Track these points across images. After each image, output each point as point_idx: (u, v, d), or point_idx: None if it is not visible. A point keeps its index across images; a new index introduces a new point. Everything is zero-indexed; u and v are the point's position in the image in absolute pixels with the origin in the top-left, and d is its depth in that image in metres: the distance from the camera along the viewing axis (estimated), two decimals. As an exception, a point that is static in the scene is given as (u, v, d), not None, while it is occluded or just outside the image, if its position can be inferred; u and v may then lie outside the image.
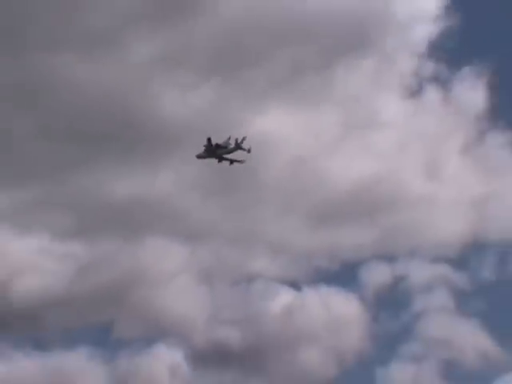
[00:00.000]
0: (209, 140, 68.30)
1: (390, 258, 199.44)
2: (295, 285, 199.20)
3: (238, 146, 70.87)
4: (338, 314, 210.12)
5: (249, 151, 71.86)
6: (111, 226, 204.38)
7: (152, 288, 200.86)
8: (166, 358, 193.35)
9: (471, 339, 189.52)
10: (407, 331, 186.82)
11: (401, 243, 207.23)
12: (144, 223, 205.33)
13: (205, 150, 70.48)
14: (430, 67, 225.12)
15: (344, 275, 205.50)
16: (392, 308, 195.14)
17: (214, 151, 71.45)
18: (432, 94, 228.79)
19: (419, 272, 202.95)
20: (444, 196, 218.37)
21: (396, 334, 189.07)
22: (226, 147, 71.56)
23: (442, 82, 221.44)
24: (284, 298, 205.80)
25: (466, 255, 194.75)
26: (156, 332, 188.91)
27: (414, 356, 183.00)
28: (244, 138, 71.69)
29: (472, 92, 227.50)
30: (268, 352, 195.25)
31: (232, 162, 72.14)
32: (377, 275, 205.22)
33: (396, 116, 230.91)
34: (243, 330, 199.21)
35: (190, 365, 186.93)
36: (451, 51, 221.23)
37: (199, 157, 73.10)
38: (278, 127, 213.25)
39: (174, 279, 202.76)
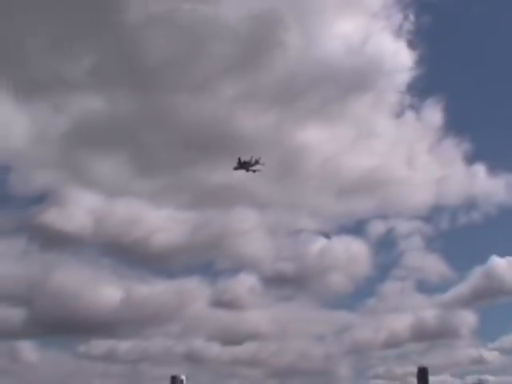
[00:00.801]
0: (239, 159, 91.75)
1: (384, 217, 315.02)
2: (326, 235, 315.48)
3: (257, 162, 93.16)
4: (352, 253, 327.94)
5: (263, 164, 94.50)
6: (211, 201, 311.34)
7: (237, 238, 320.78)
8: (247, 281, 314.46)
9: (434, 266, 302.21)
10: (395, 262, 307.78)
11: (391, 207, 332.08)
12: (231, 199, 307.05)
13: (238, 164, 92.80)
14: (407, 99, 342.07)
15: (357, 228, 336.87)
16: (386, 248, 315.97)
17: (243, 165, 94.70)
18: (409, 115, 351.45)
19: (402, 225, 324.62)
20: (417, 178, 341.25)
21: (388, 264, 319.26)
22: (249, 162, 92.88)
23: (415, 108, 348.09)
24: (319, 243, 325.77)
25: (431, 214, 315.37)
26: (240, 265, 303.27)
27: (399, 277, 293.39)
28: (260, 158, 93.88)
29: (433, 114, 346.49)
30: (310, 277, 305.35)
31: (254, 171, 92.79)
32: (377, 228, 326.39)
33: (387, 129, 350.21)
34: (294, 263, 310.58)
35: (262, 285, 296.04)
36: (420, 88, 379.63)
37: (235, 168, 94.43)
38: (313, 137, 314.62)
39: (250, 233, 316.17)
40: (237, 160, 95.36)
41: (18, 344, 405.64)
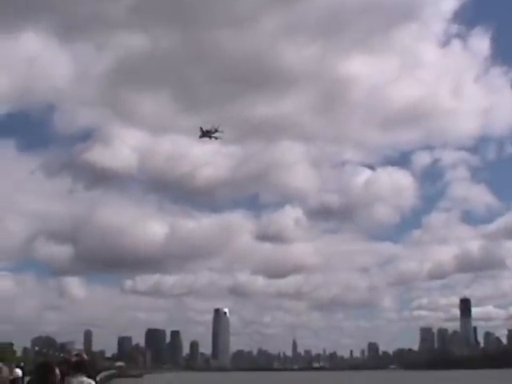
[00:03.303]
0: (201, 128, 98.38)
1: (430, 147, 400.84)
2: (371, 167, 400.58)
3: (216, 130, 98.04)
4: (397, 184, 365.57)
5: (222, 132, 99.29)
6: (256, 135, 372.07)
7: (282, 171, 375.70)
8: (292, 214, 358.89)
9: (480, 196, 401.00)
10: (441, 193, 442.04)
11: (437, 138, 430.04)
12: (275, 132, 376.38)
13: (201, 133, 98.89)
14: (454, 28, 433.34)
15: (402, 159, 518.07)
16: (432, 178, 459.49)
17: (206, 134, 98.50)
18: (455, 44, 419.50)
19: (448, 156, 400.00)
20: (464, 107, 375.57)
21: (434, 195, 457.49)
22: (210, 131, 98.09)
23: (462, 37, 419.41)
24: (364, 175, 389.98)
25: (477, 144, 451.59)
26: (285, 198, 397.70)
27: (445, 208, 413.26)
28: (219, 126, 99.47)
29: (481, 42, 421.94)
30: (354, 209, 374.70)
31: (216, 138, 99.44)
32: (422, 159, 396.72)
33: (433, 59, 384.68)
34: (339, 195, 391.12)
35: (307, 218, 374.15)
36: (467, 16, 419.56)
37: (200, 137, 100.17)
38: (358, 69, 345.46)
39: (295, 166, 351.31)
40: (199, 129, 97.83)
41: (65, 280, 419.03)
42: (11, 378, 17.66)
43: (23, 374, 18.87)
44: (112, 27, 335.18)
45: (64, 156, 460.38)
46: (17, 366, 27.41)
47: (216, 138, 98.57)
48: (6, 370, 5.90)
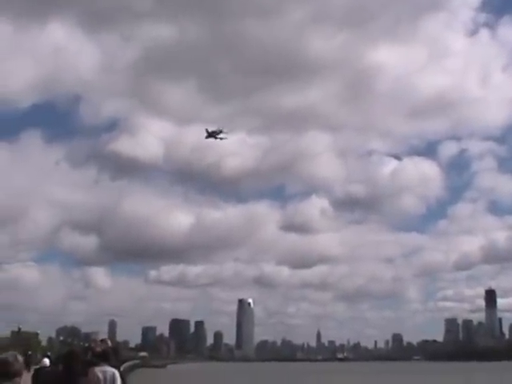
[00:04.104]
0: (206, 129, 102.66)
1: (457, 137, 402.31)
2: (397, 157, 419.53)
3: (221, 131, 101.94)
4: (424, 174, 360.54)
5: (227, 133, 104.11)
6: (282, 125, 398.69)
7: (308, 161, 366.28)
8: (318, 204, 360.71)
9: (507, 186, 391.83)
10: (467, 184, 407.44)
11: (464, 128, 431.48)
12: (301, 122, 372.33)
13: (207, 133, 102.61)
14: (482, 16, 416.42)
15: (428, 149, 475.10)
16: (458, 169, 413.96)
17: (211, 134, 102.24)
18: (483, 33, 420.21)
19: (475, 146, 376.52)
20: (492, 97, 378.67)
21: (461, 186, 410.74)
22: (215, 131, 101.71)
23: (490, 26, 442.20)
24: (390, 165, 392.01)
25: (505, 134, 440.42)
26: (311, 189, 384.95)
27: (471, 198, 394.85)
28: (223, 128, 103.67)
29: (509, 31, 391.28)
30: (380, 199, 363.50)
31: (221, 138, 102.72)
32: (448, 149, 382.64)
33: (461, 48, 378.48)
34: (365, 185, 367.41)
35: (333, 208, 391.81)
36: (496, 5, 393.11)
37: (206, 137, 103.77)
38: (385, 58, 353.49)
39: (321, 156, 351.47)
40: (205, 130, 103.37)
41: (90, 270, 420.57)
42: (36, 367, 17.89)
43: (50, 363, 19.12)
44: (138, 17, 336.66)
45: (90, 146, 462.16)
46: (44, 355, 27.83)
47: (221, 139, 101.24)
48: (20, 359, 5.92)
